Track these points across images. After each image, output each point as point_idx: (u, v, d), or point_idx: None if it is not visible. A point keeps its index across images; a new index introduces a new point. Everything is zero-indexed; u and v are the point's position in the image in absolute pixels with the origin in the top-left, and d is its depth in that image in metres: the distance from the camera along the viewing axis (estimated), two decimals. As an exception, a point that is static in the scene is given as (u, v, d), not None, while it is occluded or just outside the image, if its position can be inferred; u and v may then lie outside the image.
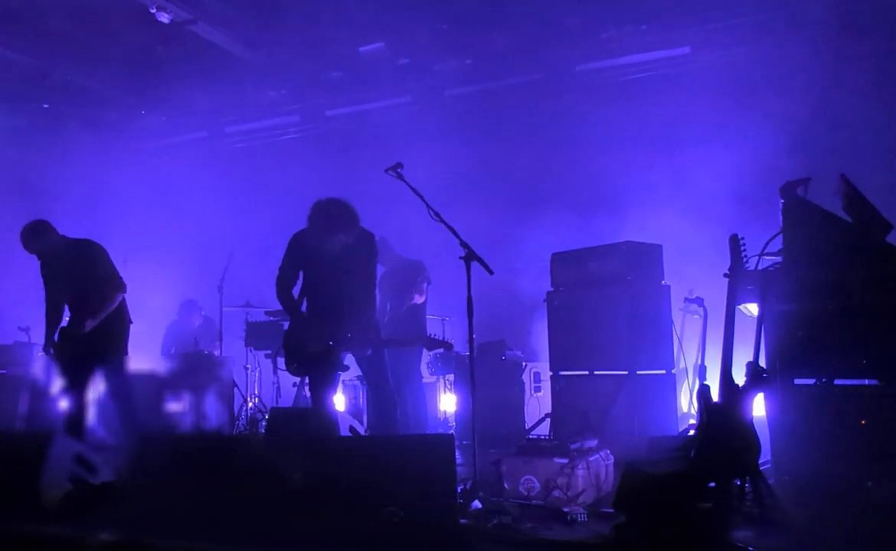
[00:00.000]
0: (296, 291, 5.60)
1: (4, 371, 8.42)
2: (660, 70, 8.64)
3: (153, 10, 7.88)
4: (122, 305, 6.37)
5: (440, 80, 9.42)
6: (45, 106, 10.11)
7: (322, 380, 5.40)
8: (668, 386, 6.36)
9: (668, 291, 6.47)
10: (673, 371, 6.45)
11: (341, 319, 5.29)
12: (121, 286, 6.21)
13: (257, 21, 8.45)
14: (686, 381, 7.21)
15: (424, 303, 7.34)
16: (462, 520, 4.12)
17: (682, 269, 6.92)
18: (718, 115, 7.63)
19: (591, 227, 7.58)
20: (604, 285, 6.22)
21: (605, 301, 6.16)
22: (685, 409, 7.04)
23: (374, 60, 9.08)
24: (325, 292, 5.46)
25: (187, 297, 8.94)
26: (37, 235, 6.26)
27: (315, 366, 5.35)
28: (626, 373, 6.01)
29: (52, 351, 6.28)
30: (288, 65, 9.23)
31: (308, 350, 5.31)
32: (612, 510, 4.22)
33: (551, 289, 6.57)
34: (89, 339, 6.11)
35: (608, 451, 5.25)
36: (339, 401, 8.14)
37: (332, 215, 5.35)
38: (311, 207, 5.40)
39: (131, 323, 6.44)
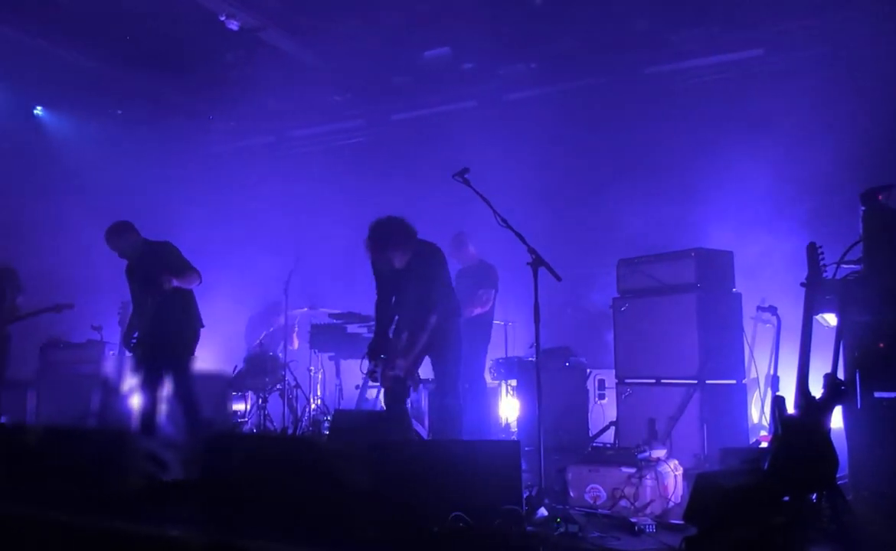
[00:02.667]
0: None
1: (77, 368, 8.69)
2: (731, 72, 8.42)
3: (223, 18, 8.05)
4: (195, 308, 6.57)
5: (505, 83, 9.38)
6: (119, 112, 10.40)
7: (389, 390, 5.54)
8: (739, 396, 6.22)
9: (739, 299, 6.34)
10: (744, 381, 6.31)
11: (396, 334, 5.47)
12: (198, 272, 6.50)
13: (324, 27, 8.54)
14: (757, 392, 7.03)
15: (490, 311, 7.22)
16: (528, 528, 4.07)
17: (754, 277, 6.76)
18: (794, 118, 7.39)
19: (659, 233, 7.45)
20: (672, 292, 6.13)
21: (673, 308, 6.07)
22: (756, 420, 6.86)
23: (439, 65, 9.09)
24: (396, 306, 5.63)
25: (274, 298, 8.97)
26: (119, 235, 6.53)
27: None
28: (695, 382, 5.90)
29: (129, 348, 6.51)
30: (353, 70, 9.31)
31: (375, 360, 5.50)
32: (681, 522, 4.15)
33: (617, 295, 6.50)
34: (164, 340, 6.34)
35: (677, 462, 5.15)
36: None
37: (380, 236, 5.44)
38: (371, 224, 5.50)
39: (202, 327, 6.63)
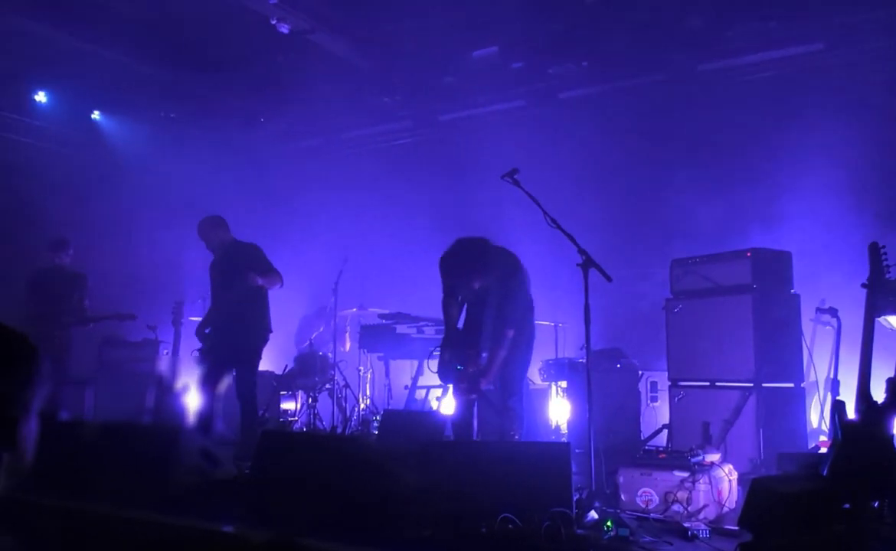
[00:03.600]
0: None
1: (133, 366, 8.88)
2: (789, 68, 8.15)
3: (274, 22, 8.13)
4: (268, 314, 6.70)
5: (555, 83, 9.28)
6: (172, 115, 10.60)
7: (457, 395, 5.61)
8: (797, 400, 6.06)
9: (797, 301, 6.17)
10: (802, 384, 6.15)
11: (472, 347, 5.43)
12: (280, 276, 6.70)
13: (373, 28, 8.57)
14: (816, 395, 6.84)
15: None
16: (578, 531, 4.01)
17: (813, 278, 6.58)
18: (856, 114, 7.14)
19: (714, 234, 7.29)
20: (727, 293, 6.00)
21: (728, 309, 5.94)
22: (815, 425, 6.67)
23: (488, 65, 9.05)
24: (467, 316, 5.67)
25: (325, 300, 9.02)
26: (213, 227, 6.73)
27: (453, 380, 5.57)
28: (750, 385, 5.76)
29: (201, 340, 6.66)
30: (402, 71, 9.33)
31: (445, 365, 5.55)
32: (736, 527, 4.04)
33: (671, 296, 6.39)
34: (236, 338, 6.49)
35: (731, 466, 5.03)
36: (451, 406, 8.15)
37: (464, 262, 5.44)
38: (452, 245, 5.49)
39: (271, 332, 6.74)
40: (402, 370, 8.56)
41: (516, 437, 5.36)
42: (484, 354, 5.40)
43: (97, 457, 5.21)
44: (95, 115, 10.41)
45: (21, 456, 1.59)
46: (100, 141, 10.44)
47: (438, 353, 5.69)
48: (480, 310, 5.48)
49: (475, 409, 5.60)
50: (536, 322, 7.84)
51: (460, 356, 5.44)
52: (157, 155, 10.40)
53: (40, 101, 9.71)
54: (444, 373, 5.58)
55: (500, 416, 5.57)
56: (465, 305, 5.69)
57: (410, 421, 6.36)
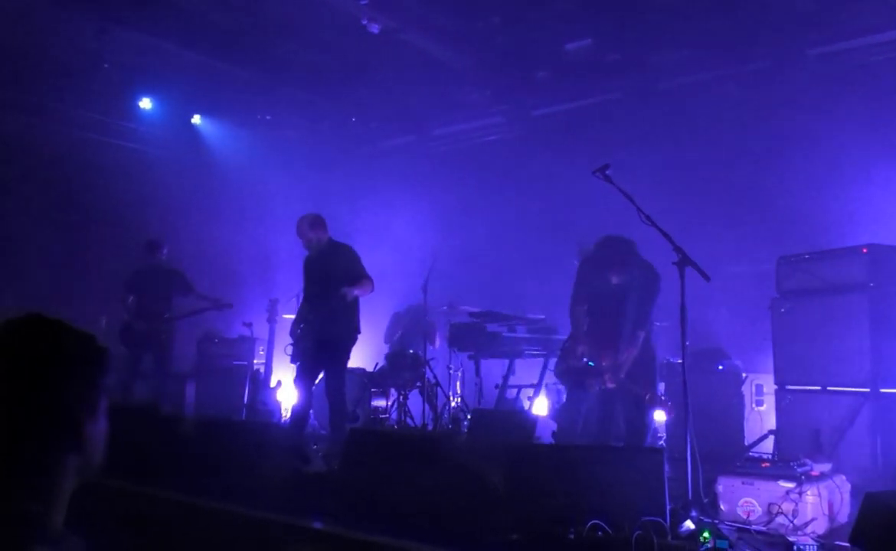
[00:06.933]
0: None
1: (230, 362, 9.10)
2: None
3: (364, 22, 8.14)
4: (357, 315, 6.76)
5: (652, 73, 8.92)
6: (268, 117, 10.82)
7: (569, 393, 5.95)
8: (920, 408, 5.60)
9: (921, 300, 5.71)
10: (926, 391, 5.68)
11: (601, 347, 5.66)
12: (372, 282, 6.73)
13: (464, 24, 8.48)
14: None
15: None
16: (672, 541, 3.80)
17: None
18: None
19: (821, 230, 6.85)
20: (840, 292, 5.65)
21: (841, 309, 5.58)
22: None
23: (582, 57, 8.81)
24: (595, 317, 5.84)
25: (414, 297, 9.03)
26: (313, 226, 6.82)
27: (573, 380, 5.82)
28: (867, 390, 5.38)
29: (294, 337, 6.77)
30: (493, 66, 9.19)
31: (569, 363, 5.80)
32: (847, 544, 3.76)
33: (777, 295, 6.03)
34: (328, 338, 6.58)
35: (844, 477, 4.68)
36: (542, 406, 7.99)
37: (606, 253, 5.70)
38: (599, 239, 5.80)
39: (359, 332, 6.78)
40: (493, 369, 8.43)
41: None
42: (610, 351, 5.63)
43: (193, 451, 5.34)
44: (196, 119, 10.73)
45: (89, 457, 1.56)
46: (199, 144, 10.76)
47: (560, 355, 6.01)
48: (615, 309, 5.65)
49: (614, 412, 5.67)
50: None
51: (591, 353, 5.63)
52: (252, 156, 10.64)
53: (145, 108, 10.07)
54: (567, 372, 5.81)
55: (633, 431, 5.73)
56: (590, 305, 5.87)
57: (501, 421, 6.26)
